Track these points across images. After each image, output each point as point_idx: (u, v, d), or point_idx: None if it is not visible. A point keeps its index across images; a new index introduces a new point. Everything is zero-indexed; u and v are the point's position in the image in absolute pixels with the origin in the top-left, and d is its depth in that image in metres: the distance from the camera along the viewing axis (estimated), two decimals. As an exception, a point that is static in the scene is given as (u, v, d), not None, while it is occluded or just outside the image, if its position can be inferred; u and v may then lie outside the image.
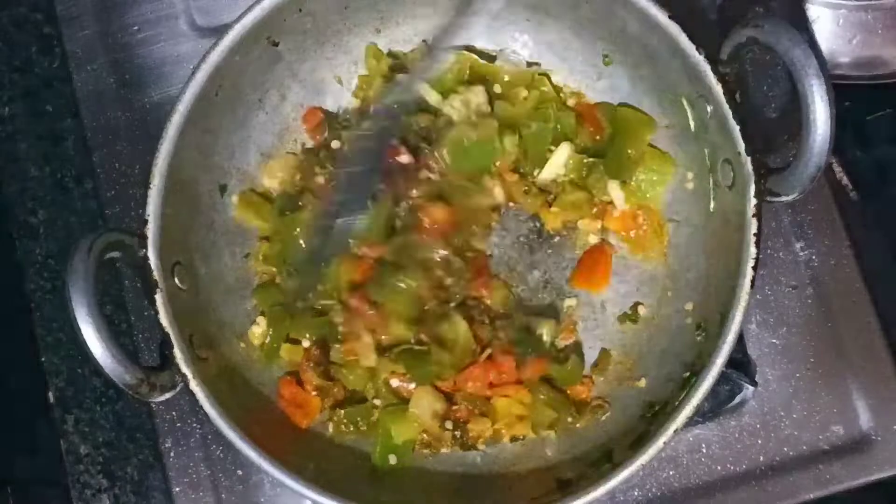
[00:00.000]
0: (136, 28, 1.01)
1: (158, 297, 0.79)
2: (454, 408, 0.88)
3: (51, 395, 0.99)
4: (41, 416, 0.99)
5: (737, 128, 0.78)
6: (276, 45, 0.86)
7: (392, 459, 0.87)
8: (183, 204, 0.84)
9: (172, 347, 0.78)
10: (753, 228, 0.77)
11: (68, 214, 1.01)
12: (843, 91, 0.97)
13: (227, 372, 0.85)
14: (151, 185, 0.79)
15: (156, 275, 0.79)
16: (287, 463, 0.79)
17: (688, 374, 0.82)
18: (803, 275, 0.96)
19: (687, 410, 0.77)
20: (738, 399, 0.94)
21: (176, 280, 0.82)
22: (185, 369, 0.78)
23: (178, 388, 0.79)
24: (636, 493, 0.93)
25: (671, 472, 0.93)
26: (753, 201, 0.78)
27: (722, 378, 0.93)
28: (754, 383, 0.94)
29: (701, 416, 0.94)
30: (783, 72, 0.97)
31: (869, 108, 1.05)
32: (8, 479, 0.97)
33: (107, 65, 1.00)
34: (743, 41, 0.77)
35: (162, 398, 0.78)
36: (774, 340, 0.95)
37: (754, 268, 0.77)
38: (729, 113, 0.78)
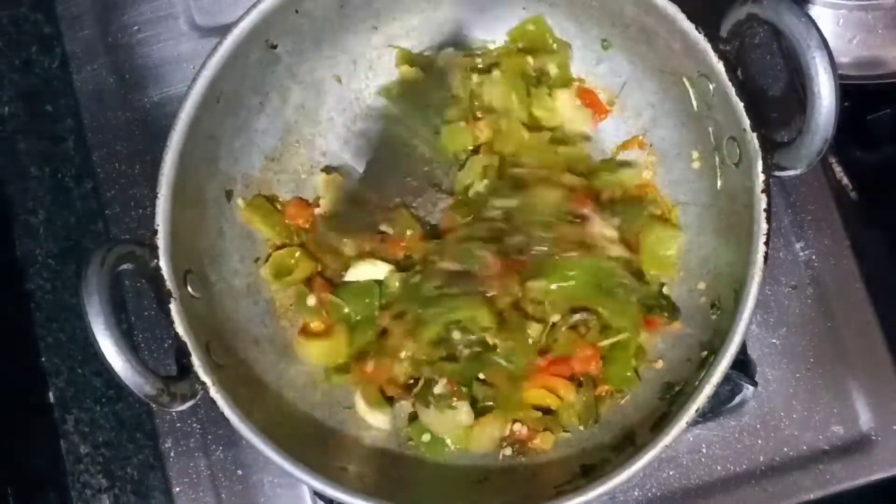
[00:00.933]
0: (136, 28, 1.01)
1: (173, 307, 0.78)
2: (516, 428, 0.87)
3: (51, 395, 0.99)
4: (41, 416, 0.99)
5: (740, 104, 0.77)
6: (275, 47, 0.86)
7: (426, 437, 0.87)
8: (190, 212, 0.83)
9: (190, 356, 0.77)
10: (763, 204, 0.77)
11: (68, 214, 1.01)
12: (843, 91, 0.97)
13: (245, 377, 0.84)
14: (159, 195, 0.79)
15: (169, 284, 0.78)
16: (311, 464, 0.78)
17: (706, 352, 0.82)
18: (803, 275, 0.96)
19: (708, 389, 0.76)
20: (738, 399, 0.94)
21: (189, 288, 0.81)
22: (204, 377, 0.77)
23: (198, 397, 0.78)
24: (636, 493, 0.93)
25: (671, 472, 0.93)
26: (761, 177, 0.77)
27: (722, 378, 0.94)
28: (754, 383, 0.93)
29: (701, 416, 0.94)
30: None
31: (869, 108, 1.05)
32: (8, 479, 0.97)
33: (107, 65, 1.00)
34: (743, 18, 0.76)
35: (183, 407, 0.77)
36: (774, 340, 0.95)
37: (766, 243, 0.77)
38: (732, 90, 0.77)
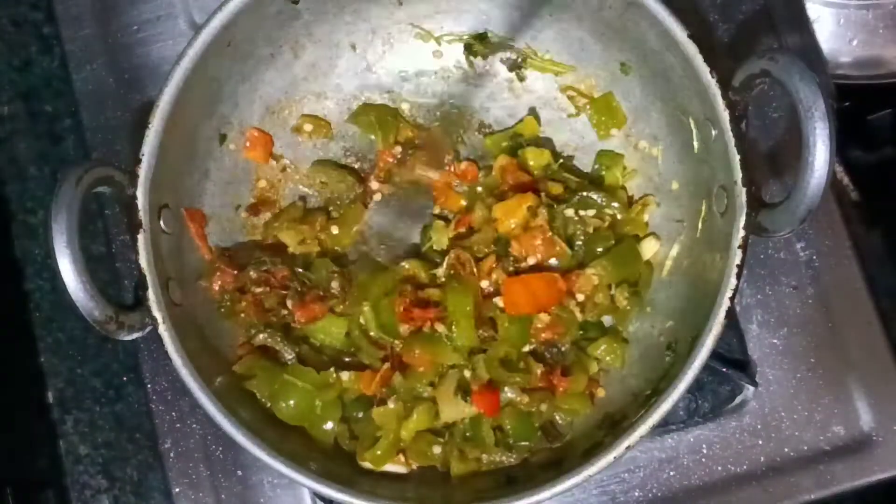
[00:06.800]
0: (135, 28, 1.01)
1: (140, 238, 0.79)
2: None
3: (50, 395, 0.99)
4: (40, 416, 0.99)
5: (737, 157, 0.77)
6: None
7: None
8: (180, 148, 0.84)
9: (147, 289, 0.78)
10: (737, 259, 0.77)
11: (68, 214, 1.01)
12: (843, 91, 0.97)
13: (198, 324, 0.85)
14: (150, 125, 0.79)
15: (141, 215, 0.79)
16: (244, 425, 0.79)
17: (649, 391, 0.82)
18: (804, 275, 0.96)
19: (642, 430, 0.77)
20: (738, 399, 0.94)
21: (161, 223, 0.82)
22: (156, 312, 0.78)
23: (146, 330, 0.79)
24: (637, 494, 0.93)
25: (672, 473, 0.93)
26: (741, 233, 0.77)
27: (722, 378, 0.94)
28: (755, 383, 0.93)
29: (701, 416, 0.94)
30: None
31: (869, 108, 1.05)
32: (7, 480, 0.97)
33: (106, 65, 1.00)
34: (756, 72, 0.76)
35: (129, 337, 0.79)
36: (775, 340, 0.95)
37: (731, 298, 0.77)
38: (732, 140, 0.77)
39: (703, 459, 0.93)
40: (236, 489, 0.94)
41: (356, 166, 0.95)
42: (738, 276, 0.77)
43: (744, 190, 0.77)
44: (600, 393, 0.88)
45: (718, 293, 0.77)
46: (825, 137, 0.72)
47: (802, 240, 0.96)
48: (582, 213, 0.89)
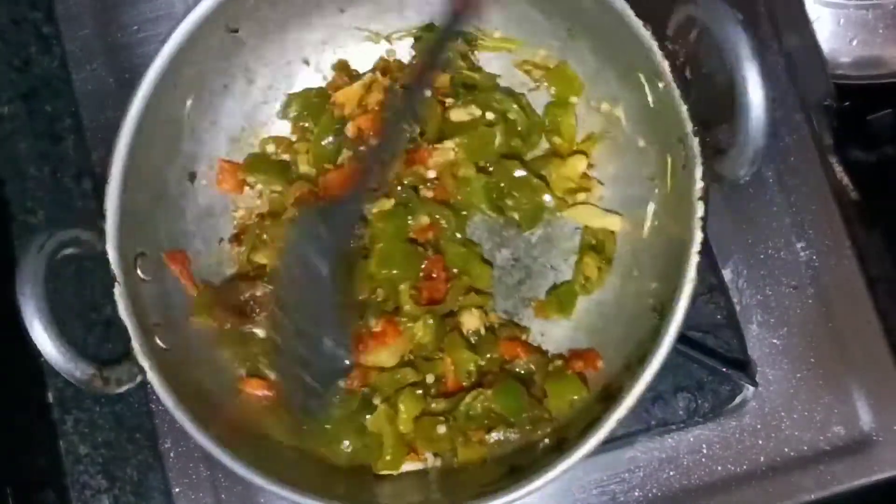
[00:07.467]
0: (135, 28, 1.01)
1: (117, 291, 0.79)
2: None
3: (50, 395, 0.99)
4: (40, 416, 0.99)
5: (683, 107, 0.76)
6: (236, 31, 0.86)
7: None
8: (148, 195, 0.84)
9: (130, 340, 0.79)
10: (700, 212, 0.76)
11: (67, 214, 1.01)
12: (843, 91, 0.97)
13: (192, 365, 0.85)
14: (109, 181, 0.80)
15: (114, 269, 0.79)
16: (243, 458, 0.80)
17: (641, 356, 0.80)
18: (804, 275, 0.96)
19: (629, 401, 0.75)
20: (738, 399, 0.94)
21: (139, 272, 0.82)
22: (142, 361, 0.78)
23: (137, 381, 0.80)
24: (636, 494, 0.93)
25: (671, 473, 0.93)
26: (700, 183, 0.76)
27: (722, 378, 0.94)
28: (755, 383, 0.93)
29: (701, 416, 0.94)
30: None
31: (869, 108, 1.05)
32: (7, 480, 0.97)
33: (106, 64, 1.00)
34: (682, 19, 0.75)
35: (120, 390, 0.79)
36: (775, 341, 0.95)
37: (700, 252, 0.76)
38: (676, 91, 0.76)
39: (703, 459, 0.93)
40: (236, 489, 0.94)
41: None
42: (704, 229, 0.75)
43: (696, 140, 0.76)
44: (600, 364, 0.88)
45: (686, 249, 0.76)
46: (755, 75, 0.70)
47: (802, 240, 0.96)
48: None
